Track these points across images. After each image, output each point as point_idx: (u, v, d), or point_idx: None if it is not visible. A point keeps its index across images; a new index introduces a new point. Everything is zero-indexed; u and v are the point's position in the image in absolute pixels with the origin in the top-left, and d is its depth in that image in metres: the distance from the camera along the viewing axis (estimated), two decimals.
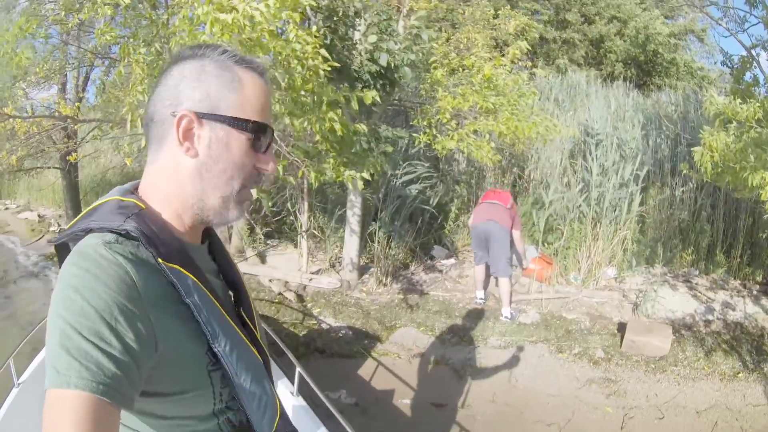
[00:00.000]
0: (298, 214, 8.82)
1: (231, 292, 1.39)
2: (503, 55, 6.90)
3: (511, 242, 7.30)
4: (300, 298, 7.94)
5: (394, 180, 8.43)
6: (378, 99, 5.41)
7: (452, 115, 6.64)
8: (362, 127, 5.74)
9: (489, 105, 6.48)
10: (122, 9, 4.99)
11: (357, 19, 6.34)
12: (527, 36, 7.87)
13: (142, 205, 1.16)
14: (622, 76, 15.17)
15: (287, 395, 3.57)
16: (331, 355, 6.51)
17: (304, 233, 8.45)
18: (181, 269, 1.12)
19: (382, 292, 8.02)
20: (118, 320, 0.96)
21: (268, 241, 9.65)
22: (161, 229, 1.15)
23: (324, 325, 7.20)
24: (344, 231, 8.26)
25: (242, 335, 1.25)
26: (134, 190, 1.23)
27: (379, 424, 5.30)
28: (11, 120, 6.57)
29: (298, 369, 3.38)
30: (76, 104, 9.05)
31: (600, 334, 6.76)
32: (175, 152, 1.16)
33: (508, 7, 8.61)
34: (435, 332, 6.88)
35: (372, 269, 8.37)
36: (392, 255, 8.38)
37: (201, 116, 1.14)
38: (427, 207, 8.66)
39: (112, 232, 1.07)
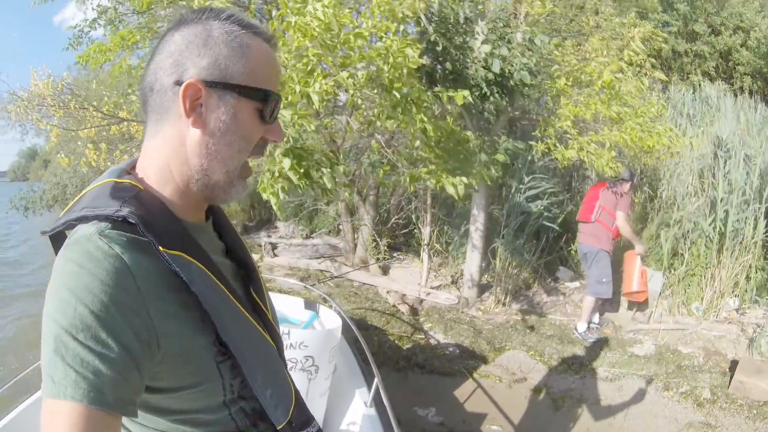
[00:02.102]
0: (421, 227, 8.69)
1: (241, 271, 1.32)
2: (621, 59, 6.46)
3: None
4: (414, 311, 7.76)
5: (518, 195, 8.04)
6: (470, 98, 5.13)
7: (574, 124, 6.25)
8: (469, 135, 5.53)
9: (612, 114, 6.03)
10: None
11: (474, 26, 6.13)
12: (654, 45, 7.33)
13: (140, 186, 1.09)
14: (749, 90, 14.21)
15: (359, 404, 3.51)
16: (430, 371, 6.25)
17: (425, 247, 8.29)
18: (185, 255, 1.05)
19: (499, 312, 7.68)
20: (115, 321, 0.92)
21: (394, 254, 9.58)
22: (162, 211, 1.08)
23: (431, 341, 6.96)
24: (466, 247, 7.97)
25: (253, 321, 1.19)
26: (131, 170, 1.16)
27: None
28: (126, 123, 6.92)
29: (376, 380, 3.27)
30: None
31: (711, 372, 6.05)
32: (179, 124, 1.09)
33: (633, 14, 8.03)
34: (543, 358, 6.47)
35: (492, 287, 7.99)
36: (514, 274, 7.97)
37: (209, 85, 1.08)
38: (553, 225, 8.19)
39: (107, 219, 1.00)
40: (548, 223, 8.19)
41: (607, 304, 7.42)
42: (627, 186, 6.90)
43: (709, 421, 5.40)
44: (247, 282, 1.32)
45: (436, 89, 4.94)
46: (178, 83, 1.06)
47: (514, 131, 8.96)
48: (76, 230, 1.01)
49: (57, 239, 1.08)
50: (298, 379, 3.16)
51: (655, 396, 5.75)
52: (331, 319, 3.74)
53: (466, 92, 4.90)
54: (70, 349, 0.88)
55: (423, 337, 7.05)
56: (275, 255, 10.23)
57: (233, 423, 1.18)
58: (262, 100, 1.12)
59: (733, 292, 7.29)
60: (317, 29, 4.07)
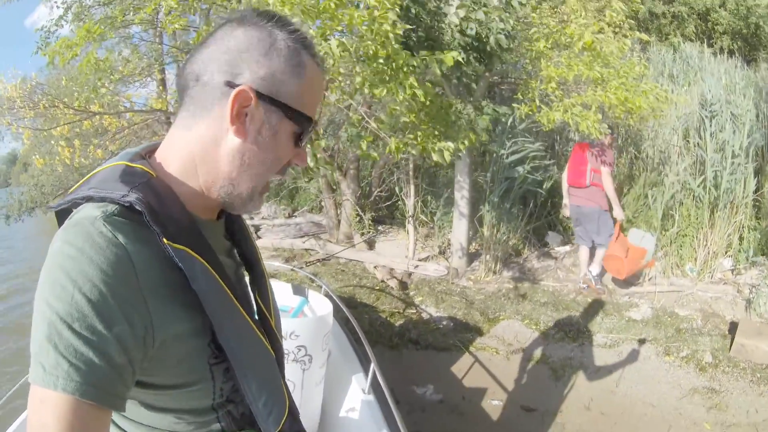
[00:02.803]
0: (404, 198, 8.52)
1: (246, 273, 1.30)
2: (601, 21, 6.33)
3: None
4: (403, 285, 7.61)
5: (502, 160, 7.87)
6: (460, 60, 4.95)
7: (557, 86, 6.08)
8: (454, 101, 5.35)
9: (596, 74, 5.88)
10: None
11: None
12: (632, 6, 7.21)
13: (152, 173, 1.04)
14: (728, 50, 14.41)
15: (358, 392, 3.36)
16: (425, 347, 6.10)
17: (410, 218, 8.11)
18: (189, 251, 1.01)
19: (491, 281, 7.55)
20: (113, 312, 0.89)
21: (379, 227, 9.43)
22: (171, 201, 1.03)
23: (424, 315, 6.81)
24: (453, 215, 7.80)
25: (253, 326, 1.16)
26: (146, 155, 1.12)
27: (461, 426, 4.89)
28: (98, 117, 6.78)
29: (373, 365, 3.15)
30: (172, 97, 9.22)
31: (710, 335, 5.99)
32: (219, 126, 1.04)
33: None
34: (539, 326, 6.34)
35: (481, 256, 7.84)
36: (503, 240, 7.82)
37: (260, 96, 1.04)
38: (539, 190, 8.04)
39: (113, 202, 0.96)
40: (534, 188, 8.06)
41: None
42: (608, 139, 6.82)
43: (713, 386, 5.33)
44: (253, 285, 1.29)
45: (422, 53, 4.72)
46: (230, 85, 1.02)
47: (494, 96, 8.78)
48: (79, 209, 0.97)
49: (62, 217, 1.03)
50: (292, 370, 3.02)
51: (656, 361, 5.68)
52: (321, 305, 3.56)
53: (456, 53, 4.70)
54: (64, 338, 0.85)
55: (415, 311, 6.91)
56: (259, 237, 10.05)
57: (219, 426, 1.17)
58: (302, 124, 1.10)
59: (726, 252, 7.24)
60: None
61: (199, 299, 1.01)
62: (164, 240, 0.97)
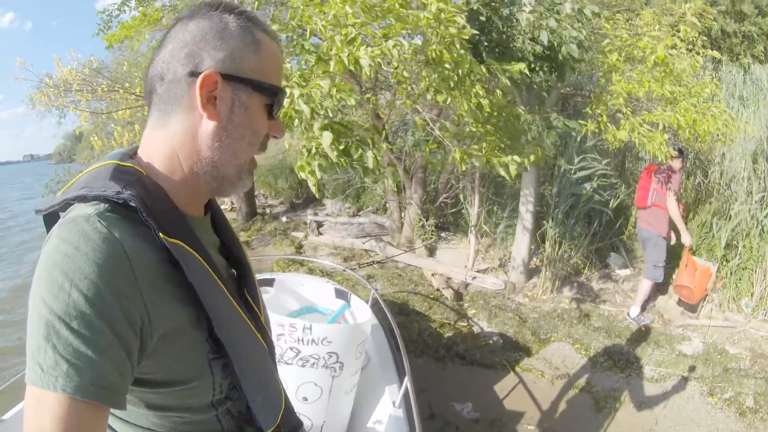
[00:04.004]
0: (468, 207, 8.41)
1: (234, 271, 1.31)
2: (675, 35, 6.09)
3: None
4: (458, 296, 7.51)
5: (568, 175, 7.67)
6: (527, 72, 4.82)
7: (626, 102, 5.88)
8: (523, 111, 5.21)
9: (666, 92, 5.67)
10: None
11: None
12: (705, 23, 6.94)
13: (142, 171, 1.07)
14: None
15: (388, 404, 3.30)
16: (471, 362, 5.99)
17: (473, 228, 8.00)
18: (184, 245, 1.03)
19: (547, 300, 7.36)
20: (111, 309, 0.89)
21: (442, 234, 9.33)
22: (163, 198, 1.06)
23: (474, 329, 6.71)
24: (516, 228, 7.65)
25: (247, 320, 1.19)
26: (133, 155, 1.14)
27: None
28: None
29: (406, 379, 3.06)
30: None
31: (756, 377, 5.67)
32: (192, 115, 1.08)
33: None
34: (589, 352, 6.14)
35: (541, 272, 7.66)
36: (564, 258, 7.62)
37: (225, 77, 1.07)
38: (605, 209, 7.81)
39: (107, 200, 0.98)
40: (600, 207, 7.84)
41: (658, 295, 7.11)
42: (678, 163, 6.58)
43: None
44: (241, 281, 1.30)
45: (488, 60, 4.62)
46: (194, 74, 1.05)
47: (567, 108, 8.59)
48: (72, 208, 0.98)
49: (51, 220, 1.03)
50: (321, 376, 2.99)
51: (699, 401, 5.43)
52: (362, 312, 3.53)
53: (523, 65, 4.59)
54: (63, 338, 0.85)
55: (466, 324, 6.80)
56: (320, 233, 10.10)
57: (218, 424, 1.17)
58: (271, 95, 1.13)
59: None
60: None
61: (194, 293, 1.03)
62: (160, 234, 0.98)
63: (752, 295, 6.84)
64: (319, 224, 10.32)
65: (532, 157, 5.09)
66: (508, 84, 4.94)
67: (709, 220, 7.61)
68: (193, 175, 1.11)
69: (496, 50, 5.56)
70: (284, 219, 11.89)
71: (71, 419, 0.84)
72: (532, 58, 5.45)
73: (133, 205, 0.97)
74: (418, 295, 7.40)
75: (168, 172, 1.10)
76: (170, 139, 1.09)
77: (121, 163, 1.07)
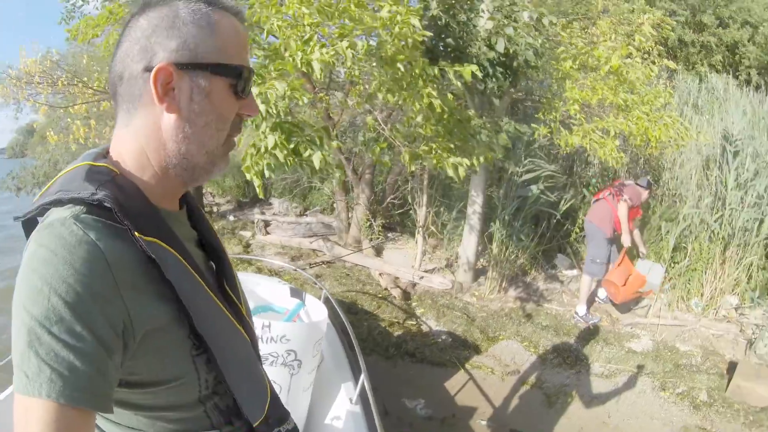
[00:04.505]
0: (416, 207, 8.47)
1: (213, 263, 1.30)
2: (630, 45, 6.26)
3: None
4: (406, 295, 7.56)
5: (516, 177, 7.81)
6: (477, 73, 4.88)
7: (580, 109, 6.01)
8: (472, 114, 5.29)
9: (619, 101, 5.82)
10: None
11: (479, 2, 5.87)
12: (663, 33, 7.15)
13: (116, 170, 1.07)
14: (755, 83, 14.19)
15: (345, 401, 3.33)
16: (421, 360, 6.05)
17: (420, 228, 8.06)
18: (161, 243, 1.03)
19: (494, 299, 7.48)
20: (90, 312, 0.89)
21: (389, 234, 9.37)
22: (137, 196, 1.06)
23: (423, 328, 6.77)
24: (463, 229, 7.74)
25: (228, 313, 1.18)
26: (106, 154, 1.14)
27: None
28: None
29: (363, 376, 3.11)
30: None
31: (709, 373, 5.92)
32: (153, 110, 1.07)
33: (643, 2, 7.87)
34: (538, 349, 6.27)
35: (488, 272, 7.77)
36: (511, 259, 7.76)
37: (180, 67, 1.06)
38: (553, 211, 7.98)
39: (82, 202, 0.97)
40: (548, 209, 7.99)
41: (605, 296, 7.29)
42: (645, 194, 6.93)
43: (704, 425, 5.29)
44: (220, 274, 1.29)
45: (441, 63, 4.67)
46: (148, 69, 1.04)
47: (517, 113, 8.72)
48: (49, 213, 0.98)
49: (30, 226, 1.02)
50: (280, 373, 2.99)
51: (651, 396, 5.62)
52: (317, 310, 3.53)
53: (474, 67, 4.65)
54: (44, 343, 0.85)
55: (414, 323, 6.86)
56: (267, 233, 10.03)
57: (208, 420, 1.16)
58: (235, 75, 1.10)
59: (733, 290, 7.14)
60: None
61: (173, 290, 1.02)
62: (135, 233, 0.98)
63: (702, 295, 7.10)
64: (267, 223, 10.25)
65: (482, 159, 5.16)
66: (460, 86, 5.00)
67: (658, 223, 7.85)
68: (162, 169, 1.10)
69: (452, 55, 5.62)
70: (231, 218, 11.78)
71: (58, 425, 0.84)
72: (487, 64, 5.52)
73: (108, 205, 0.97)
74: (366, 294, 7.43)
75: (139, 169, 1.09)
76: (136, 137, 1.09)
77: (95, 164, 1.07)
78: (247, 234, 10.31)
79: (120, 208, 0.98)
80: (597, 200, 7.00)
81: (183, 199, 1.26)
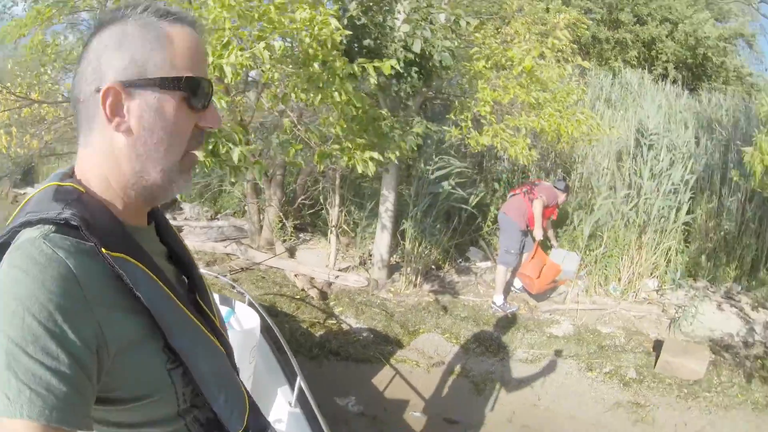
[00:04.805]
0: (329, 207, 8.48)
1: (185, 277, 1.29)
2: (545, 47, 6.45)
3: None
4: (324, 295, 7.56)
5: (426, 175, 7.95)
6: (398, 67, 5.01)
7: (492, 109, 6.16)
8: (385, 112, 5.35)
9: (531, 100, 6.01)
10: None
11: (396, 5, 5.95)
12: (578, 32, 7.40)
13: (81, 189, 1.07)
14: (672, 78, 14.94)
15: (284, 404, 3.36)
16: (346, 358, 6.11)
17: (333, 228, 8.08)
18: (128, 258, 1.02)
19: (410, 294, 7.59)
20: (62, 330, 0.88)
21: (300, 235, 9.34)
22: (103, 214, 1.06)
23: (344, 326, 6.81)
24: (376, 227, 7.82)
25: (201, 326, 1.17)
26: (72, 174, 1.13)
27: None
28: (37, 105, 6.61)
29: (299, 379, 3.17)
30: None
31: (634, 351, 6.26)
32: (107, 131, 1.06)
33: (559, 1, 8.13)
34: (460, 340, 6.43)
35: (402, 268, 7.89)
36: (424, 254, 7.89)
37: (127, 85, 1.05)
38: (465, 206, 8.18)
39: (51, 222, 0.97)
40: (459, 204, 8.18)
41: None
42: (563, 197, 7.23)
43: (638, 401, 5.56)
44: (192, 287, 1.29)
45: (360, 60, 4.71)
46: (98, 90, 1.04)
47: (427, 111, 8.86)
48: (20, 235, 0.97)
49: (2, 250, 0.99)
50: None
51: (578, 376, 5.85)
52: (248, 317, 3.53)
53: (394, 61, 4.70)
54: (22, 364, 0.84)
55: (335, 322, 6.89)
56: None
57: None
58: (187, 88, 1.08)
59: (652, 274, 7.52)
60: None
61: (143, 305, 1.02)
62: (102, 250, 0.98)
63: (620, 279, 7.46)
64: (179, 229, 10.02)
65: (396, 153, 5.23)
66: (376, 83, 5.05)
67: (571, 213, 8.15)
68: (122, 188, 1.10)
69: (369, 56, 5.66)
70: None
71: None
72: (402, 65, 5.59)
73: (74, 223, 0.97)
74: (284, 296, 7.39)
75: (102, 188, 1.09)
76: (95, 157, 1.09)
77: (61, 184, 1.07)
78: None
79: (86, 225, 0.98)
80: (513, 195, 7.23)
81: (151, 214, 1.25)
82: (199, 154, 1.16)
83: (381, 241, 7.75)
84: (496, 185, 9.03)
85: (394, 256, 8.26)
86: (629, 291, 7.43)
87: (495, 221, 8.44)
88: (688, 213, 7.88)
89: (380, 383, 5.70)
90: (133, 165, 1.08)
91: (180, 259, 1.29)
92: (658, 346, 6.30)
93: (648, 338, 6.57)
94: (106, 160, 1.08)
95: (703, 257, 7.92)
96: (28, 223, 0.98)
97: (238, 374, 1.33)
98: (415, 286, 7.77)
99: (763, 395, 5.72)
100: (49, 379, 0.85)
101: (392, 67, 4.67)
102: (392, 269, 8.06)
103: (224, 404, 1.18)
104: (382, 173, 7.01)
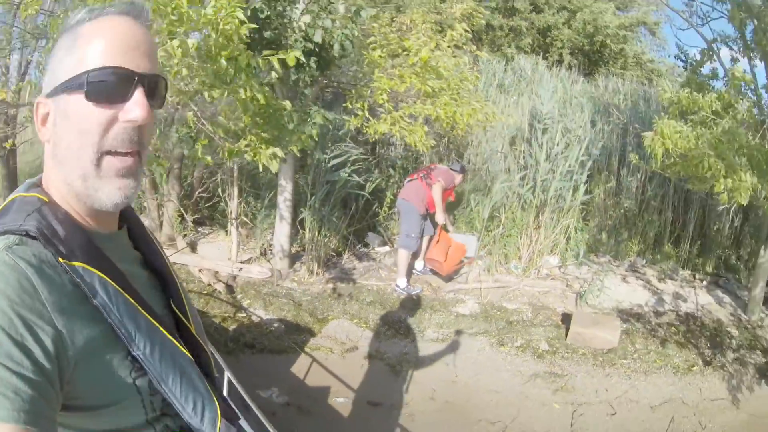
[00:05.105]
0: (227, 200, 8.40)
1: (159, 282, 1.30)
2: (441, 39, 6.61)
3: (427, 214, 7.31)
4: (230, 288, 7.50)
5: (323, 164, 8.04)
6: (302, 58, 5.08)
7: (389, 98, 6.28)
8: (287, 104, 5.37)
9: (427, 88, 6.18)
10: None
11: None
12: (474, 21, 7.61)
13: (45, 198, 1.09)
14: (568, 64, 15.47)
15: None
16: (261, 350, 6.13)
17: (233, 220, 8.01)
18: (87, 266, 1.03)
19: (314, 282, 7.67)
20: (24, 337, 0.90)
21: (200, 229, 9.19)
22: (64, 222, 1.07)
23: (254, 318, 6.80)
24: (275, 217, 7.84)
25: (164, 331, 1.15)
26: (40, 183, 1.15)
27: (312, 426, 5.00)
28: None
29: (227, 374, 3.25)
30: (17, 86, 8.36)
31: (543, 325, 6.59)
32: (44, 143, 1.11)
33: None
34: (369, 324, 6.60)
35: (303, 257, 7.97)
36: (324, 243, 8.01)
37: (48, 96, 1.07)
38: (362, 193, 8.35)
39: (12, 233, 1.00)
40: (356, 191, 8.35)
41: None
42: (459, 178, 7.44)
43: (554, 371, 5.86)
44: (166, 293, 1.29)
45: (265, 53, 4.71)
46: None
47: (324, 100, 8.90)
48: None
49: None
50: None
51: (492, 352, 6.10)
52: None
53: (298, 52, 4.72)
54: None
55: (245, 315, 6.88)
56: None
57: None
58: (87, 83, 1.03)
59: (552, 251, 7.93)
60: None
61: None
62: (60, 259, 1.01)
63: (520, 258, 7.78)
64: None
65: (297, 146, 5.28)
66: (276, 78, 5.06)
67: (467, 196, 8.41)
68: (62, 195, 1.11)
69: (271, 46, 5.65)
70: None
71: None
72: (302, 55, 5.61)
73: (33, 234, 1.00)
74: (191, 292, 7.26)
75: (59, 197, 1.11)
76: (47, 169, 1.12)
77: (26, 194, 1.09)
78: None
79: (44, 236, 1.01)
80: (411, 180, 7.40)
81: (124, 218, 1.26)
82: (117, 159, 1.07)
83: (281, 231, 7.76)
84: (391, 171, 9.20)
85: (294, 245, 8.29)
86: (531, 269, 7.80)
87: (391, 206, 8.63)
88: (587, 193, 8.34)
89: (299, 372, 5.75)
90: (58, 173, 1.09)
91: (154, 264, 1.29)
92: (566, 319, 6.65)
93: (555, 312, 6.94)
94: (50, 170, 1.11)
95: (604, 234, 8.45)
96: None
97: (212, 381, 1.32)
98: (317, 274, 7.83)
99: (683, 359, 6.18)
100: (15, 383, 0.86)
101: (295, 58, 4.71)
102: (293, 258, 8.09)
103: (192, 412, 1.18)
104: (281, 163, 7.02)
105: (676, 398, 5.67)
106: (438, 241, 7.10)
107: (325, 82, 7.65)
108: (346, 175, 8.11)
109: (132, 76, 1.04)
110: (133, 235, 1.28)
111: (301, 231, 8.14)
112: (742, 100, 6.37)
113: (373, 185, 8.59)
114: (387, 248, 8.54)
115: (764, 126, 6.01)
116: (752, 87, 6.49)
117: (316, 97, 7.65)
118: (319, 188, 8.03)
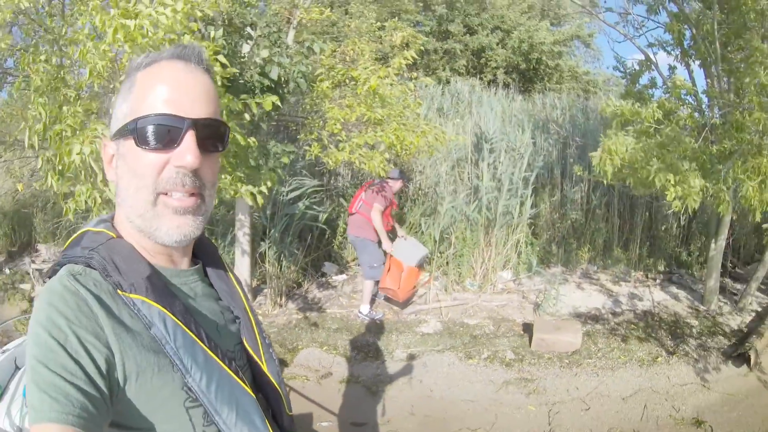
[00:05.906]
0: None
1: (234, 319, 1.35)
2: (388, 67, 6.81)
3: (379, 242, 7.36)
4: None
5: (282, 197, 8.19)
6: (279, 104, 5.22)
7: (342, 127, 6.47)
8: (254, 141, 5.51)
9: (376, 116, 6.38)
10: (22, 16, 4.61)
11: (251, 31, 6.10)
12: (413, 47, 7.85)
13: (113, 234, 1.17)
14: (503, 83, 15.74)
15: None
16: None
17: None
18: (147, 300, 1.09)
19: (278, 314, 7.76)
20: (78, 353, 0.98)
21: None
22: (128, 257, 1.13)
23: None
24: (234, 253, 7.93)
25: (225, 366, 1.18)
26: (111, 219, 1.23)
27: None
28: None
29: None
30: None
31: (506, 336, 6.80)
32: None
33: (396, 19, 8.57)
34: (339, 350, 6.69)
35: (265, 290, 8.08)
36: (284, 274, 8.13)
37: (112, 139, 1.17)
38: (316, 224, 8.54)
39: (78, 263, 1.09)
40: (311, 222, 8.51)
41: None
42: (398, 184, 7.50)
43: (524, 377, 6.03)
44: (239, 331, 1.35)
45: (243, 96, 4.86)
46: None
47: (279, 133, 9.05)
48: (55, 274, 1.10)
49: None
50: None
51: (462, 365, 6.25)
52: None
53: (275, 98, 4.90)
54: (43, 377, 0.94)
55: None
56: (45, 282, 9.20)
57: None
58: (134, 130, 1.10)
59: (504, 266, 8.22)
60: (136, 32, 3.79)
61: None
62: (119, 291, 1.08)
63: (475, 275, 8.03)
64: (41, 272, 9.48)
65: (269, 183, 5.41)
66: (248, 120, 5.17)
67: (418, 220, 8.68)
68: (131, 232, 1.18)
69: (228, 84, 5.77)
70: (7, 270, 10.59)
71: None
72: (259, 92, 5.75)
73: (94, 267, 1.09)
74: None
75: (128, 233, 1.18)
76: (118, 206, 1.20)
77: (93, 229, 1.18)
78: (26, 287, 9.41)
79: (104, 269, 1.09)
80: (351, 215, 7.46)
81: (200, 254, 1.35)
82: (174, 198, 1.13)
83: (241, 266, 7.81)
84: (342, 200, 9.36)
85: (255, 278, 8.37)
86: (486, 284, 8.06)
87: (344, 234, 8.74)
88: (533, 207, 8.67)
89: None
90: (122, 211, 1.17)
91: (226, 302, 1.35)
92: (528, 328, 6.88)
93: (516, 323, 7.17)
94: (118, 207, 1.19)
95: (554, 245, 8.78)
96: (60, 264, 1.12)
97: (281, 419, 1.39)
98: (280, 306, 7.93)
99: (646, 352, 6.47)
100: (67, 389, 0.94)
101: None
102: (256, 291, 8.19)
103: None
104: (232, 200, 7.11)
105: (645, 388, 5.92)
106: (389, 270, 7.20)
107: (276, 116, 7.80)
108: (304, 207, 8.26)
109: (181, 122, 1.09)
110: (209, 272, 1.35)
111: (261, 264, 8.22)
112: (683, 106, 6.71)
113: (325, 215, 8.75)
114: (344, 276, 8.69)
115: (706, 129, 6.30)
116: (693, 93, 6.80)
117: (271, 132, 7.76)
118: (278, 221, 8.15)
